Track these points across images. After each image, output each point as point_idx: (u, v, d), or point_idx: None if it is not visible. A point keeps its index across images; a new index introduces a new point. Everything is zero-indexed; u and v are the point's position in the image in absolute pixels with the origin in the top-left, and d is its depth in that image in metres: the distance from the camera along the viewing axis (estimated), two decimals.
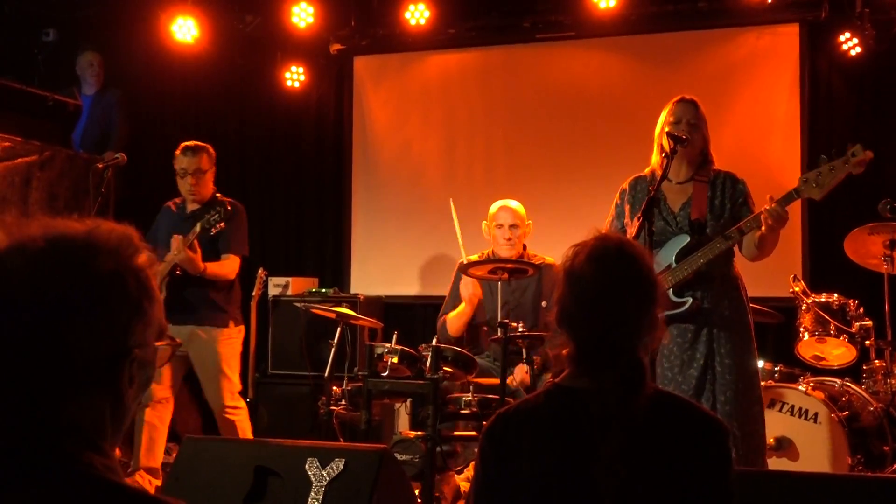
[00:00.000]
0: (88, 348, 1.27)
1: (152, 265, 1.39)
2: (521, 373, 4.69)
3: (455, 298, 5.19)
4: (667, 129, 3.74)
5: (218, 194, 5.30)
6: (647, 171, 3.95)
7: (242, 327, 5.34)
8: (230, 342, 5.16)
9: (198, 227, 4.86)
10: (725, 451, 1.91)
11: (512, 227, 5.06)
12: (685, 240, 3.72)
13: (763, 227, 3.57)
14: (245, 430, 5.21)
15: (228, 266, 5.11)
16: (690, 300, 3.68)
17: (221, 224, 4.88)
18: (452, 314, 5.07)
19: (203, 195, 5.18)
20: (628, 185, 3.98)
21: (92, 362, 1.28)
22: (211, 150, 5.23)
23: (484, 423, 4.04)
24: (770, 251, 3.76)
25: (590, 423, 1.86)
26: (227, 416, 5.09)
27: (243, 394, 6.14)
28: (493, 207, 5.18)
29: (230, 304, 5.20)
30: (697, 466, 1.85)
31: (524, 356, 4.38)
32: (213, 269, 5.01)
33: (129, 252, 1.34)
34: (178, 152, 5.17)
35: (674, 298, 3.69)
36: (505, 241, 5.05)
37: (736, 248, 3.82)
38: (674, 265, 3.70)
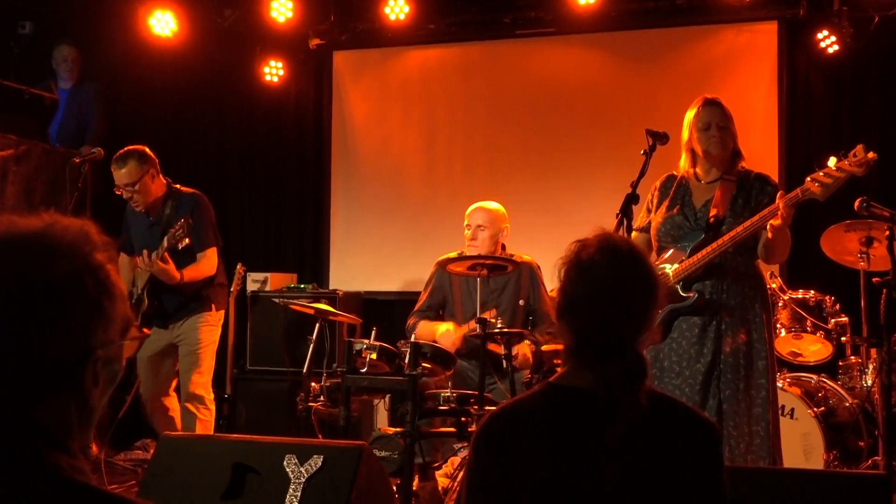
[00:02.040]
0: (49, 351, 1.25)
1: (112, 260, 1.36)
2: (446, 339, 4.77)
3: (431, 297, 5.16)
4: (646, 128, 3.73)
5: (176, 186, 5.16)
6: (679, 171, 3.93)
7: (222, 313, 5.29)
8: (210, 330, 5.13)
9: (165, 243, 4.79)
10: (717, 456, 1.92)
11: (479, 227, 5.00)
12: (700, 236, 3.73)
13: (768, 230, 3.57)
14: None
15: (205, 264, 5.05)
16: (696, 295, 3.69)
17: (187, 240, 4.79)
18: (425, 329, 5.00)
19: (147, 201, 5.00)
20: (659, 183, 3.97)
21: (53, 364, 1.26)
22: (142, 153, 4.95)
23: (462, 419, 4.09)
24: (782, 253, 3.74)
25: (589, 422, 1.87)
26: (190, 406, 5.01)
27: (222, 389, 6.14)
28: (469, 208, 5.14)
29: (210, 289, 5.14)
30: (689, 469, 1.87)
31: (503, 353, 4.37)
32: (190, 273, 4.96)
33: (87, 250, 1.31)
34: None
35: (681, 293, 3.70)
36: (469, 241, 5.02)
37: None
38: (685, 260, 3.72)
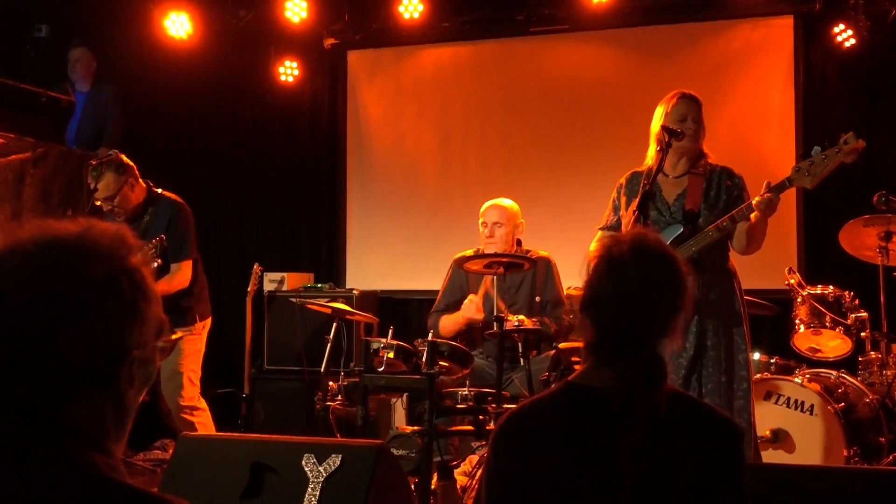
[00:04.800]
0: (85, 351, 1.27)
1: (147, 263, 1.38)
2: (470, 310, 4.81)
3: (449, 294, 5.16)
4: (663, 123, 3.74)
5: (157, 190, 4.97)
6: (644, 166, 3.95)
7: (208, 321, 5.10)
8: (192, 340, 4.96)
9: None
10: (738, 454, 1.91)
11: (495, 224, 4.99)
12: (678, 229, 3.73)
13: (754, 215, 3.58)
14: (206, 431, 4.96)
15: (178, 277, 4.86)
16: None
17: (158, 261, 4.50)
18: (448, 320, 5.01)
19: (127, 210, 4.85)
20: (625, 180, 3.99)
21: (90, 365, 1.28)
22: (119, 163, 4.80)
23: (480, 417, 4.09)
24: (760, 242, 3.77)
25: (608, 422, 1.86)
26: (185, 416, 4.89)
27: (240, 389, 6.15)
28: (484, 205, 5.13)
29: (192, 301, 4.97)
30: (709, 468, 1.86)
31: (521, 351, 4.37)
32: (162, 287, 4.62)
33: (123, 253, 1.34)
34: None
35: None
36: (486, 238, 5.00)
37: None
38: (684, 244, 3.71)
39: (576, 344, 4.37)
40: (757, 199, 3.56)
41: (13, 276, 1.27)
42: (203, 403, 5.01)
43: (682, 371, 3.67)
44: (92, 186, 4.80)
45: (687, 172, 3.85)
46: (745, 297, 3.93)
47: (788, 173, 3.62)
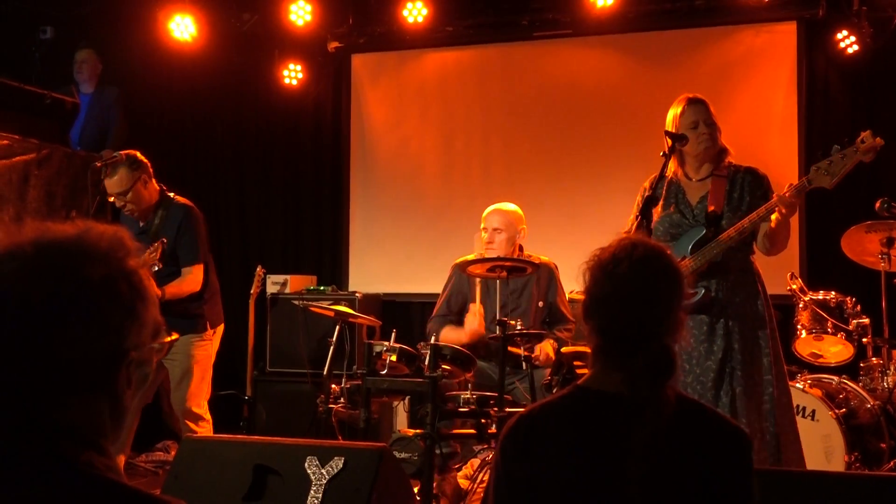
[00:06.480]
0: (83, 353, 1.29)
1: (144, 265, 1.40)
2: (473, 324, 4.85)
3: (450, 299, 5.16)
4: (666, 129, 3.75)
5: (170, 194, 4.91)
6: (670, 172, 3.94)
7: (221, 327, 5.04)
8: (203, 345, 4.88)
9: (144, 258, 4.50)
10: (747, 461, 1.92)
11: (495, 230, 4.97)
12: (701, 232, 3.73)
13: (774, 216, 3.58)
14: None
15: (189, 281, 4.79)
16: (703, 291, 3.69)
17: (160, 264, 4.45)
18: (451, 333, 4.99)
19: (141, 208, 4.79)
20: (648, 184, 3.98)
21: (88, 366, 1.30)
22: (133, 159, 4.73)
23: (482, 420, 4.10)
24: (783, 243, 3.76)
25: (617, 425, 1.87)
26: (189, 424, 4.76)
27: (242, 391, 6.16)
28: (486, 210, 5.12)
29: (204, 306, 4.90)
30: (717, 475, 1.86)
31: (523, 355, 4.37)
32: (172, 290, 4.67)
33: (121, 255, 1.35)
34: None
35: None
36: (487, 244, 4.98)
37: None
38: (688, 256, 3.71)
39: (578, 348, 4.38)
40: (776, 198, 3.57)
41: (12, 279, 1.28)
42: (208, 415, 4.92)
43: (710, 374, 3.66)
44: (105, 181, 4.73)
45: (710, 175, 3.84)
46: (769, 299, 3.90)
47: (793, 179, 3.63)
